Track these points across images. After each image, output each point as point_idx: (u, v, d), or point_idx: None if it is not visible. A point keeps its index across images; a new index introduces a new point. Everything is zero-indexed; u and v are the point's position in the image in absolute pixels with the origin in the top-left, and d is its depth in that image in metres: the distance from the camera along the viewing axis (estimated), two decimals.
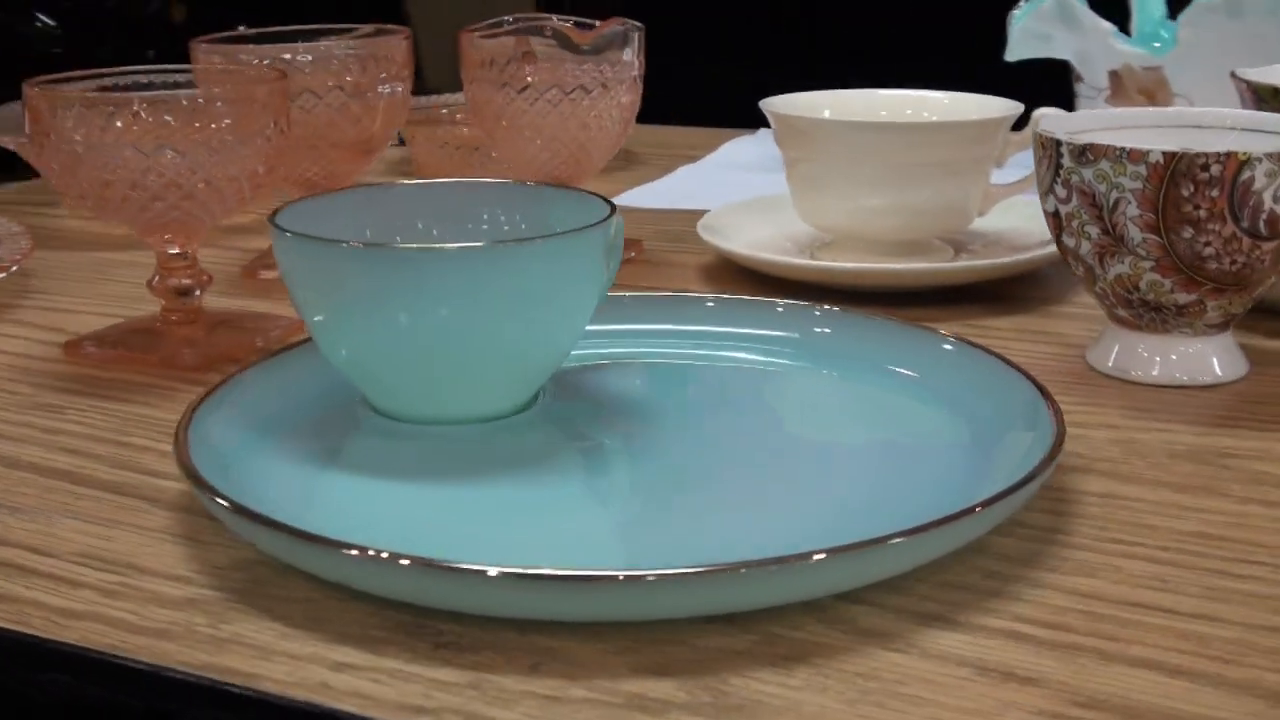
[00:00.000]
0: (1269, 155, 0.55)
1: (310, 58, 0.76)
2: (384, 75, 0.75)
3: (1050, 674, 0.38)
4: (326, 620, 0.41)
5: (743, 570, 0.40)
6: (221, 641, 0.41)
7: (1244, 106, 0.68)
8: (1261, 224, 0.56)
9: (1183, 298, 0.58)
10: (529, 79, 0.75)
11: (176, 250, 0.65)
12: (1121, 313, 0.60)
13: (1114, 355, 0.61)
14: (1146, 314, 0.59)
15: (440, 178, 0.94)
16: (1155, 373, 0.60)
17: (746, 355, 0.62)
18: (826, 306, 0.63)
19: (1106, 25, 0.88)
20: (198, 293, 0.66)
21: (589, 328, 0.60)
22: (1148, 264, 0.57)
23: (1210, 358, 0.60)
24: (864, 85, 0.82)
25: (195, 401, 0.52)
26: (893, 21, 1.84)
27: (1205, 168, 0.55)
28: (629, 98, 0.78)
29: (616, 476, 0.54)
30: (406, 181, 0.62)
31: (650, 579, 0.39)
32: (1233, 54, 0.80)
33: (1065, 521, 0.48)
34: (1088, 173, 0.57)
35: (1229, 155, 0.55)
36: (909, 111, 0.79)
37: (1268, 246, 0.56)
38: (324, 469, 0.52)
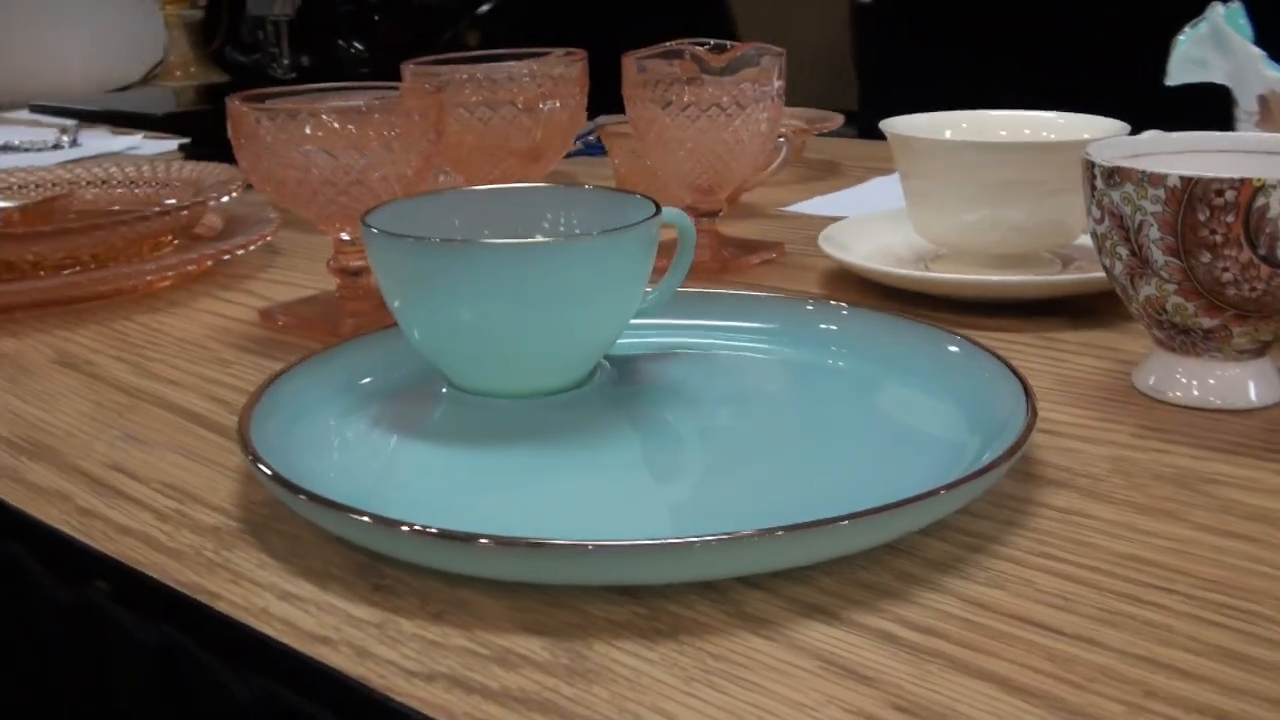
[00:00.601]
0: None
1: (506, 75, 0.77)
2: (546, 93, 0.75)
3: (889, 676, 0.35)
4: (301, 556, 0.42)
5: (627, 549, 0.38)
6: (214, 565, 0.42)
7: None
8: (1279, 252, 0.48)
9: (1207, 322, 0.51)
10: (672, 97, 0.73)
11: (346, 236, 0.67)
12: (1157, 334, 0.53)
13: (1152, 376, 0.54)
14: (1177, 336, 0.52)
15: (634, 186, 0.95)
16: (1191, 395, 0.53)
17: (771, 346, 0.59)
18: (851, 306, 0.60)
19: (1256, 51, 0.78)
20: (365, 273, 0.69)
21: (656, 320, 0.59)
22: (1171, 287, 0.51)
23: (1246, 383, 0.53)
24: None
25: (292, 363, 0.54)
26: (1075, 47, 1.70)
27: (1220, 193, 0.48)
28: (769, 114, 0.75)
29: (643, 449, 0.52)
30: (489, 186, 0.62)
31: (550, 547, 0.38)
32: None
33: (1008, 531, 0.43)
34: (1115, 195, 0.51)
35: (1243, 181, 0.47)
36: (1026, 131, 0.72)
37: None
38: (386, 429, 0.52)
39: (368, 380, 0.56)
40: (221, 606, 0.39)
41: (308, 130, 0.65)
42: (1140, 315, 0.53)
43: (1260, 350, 0.52)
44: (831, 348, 0.58)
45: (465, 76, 0.78)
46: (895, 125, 0.71)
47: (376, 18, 1.19)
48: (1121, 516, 0.44)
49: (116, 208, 0.86)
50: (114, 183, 0.91)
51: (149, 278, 0.74)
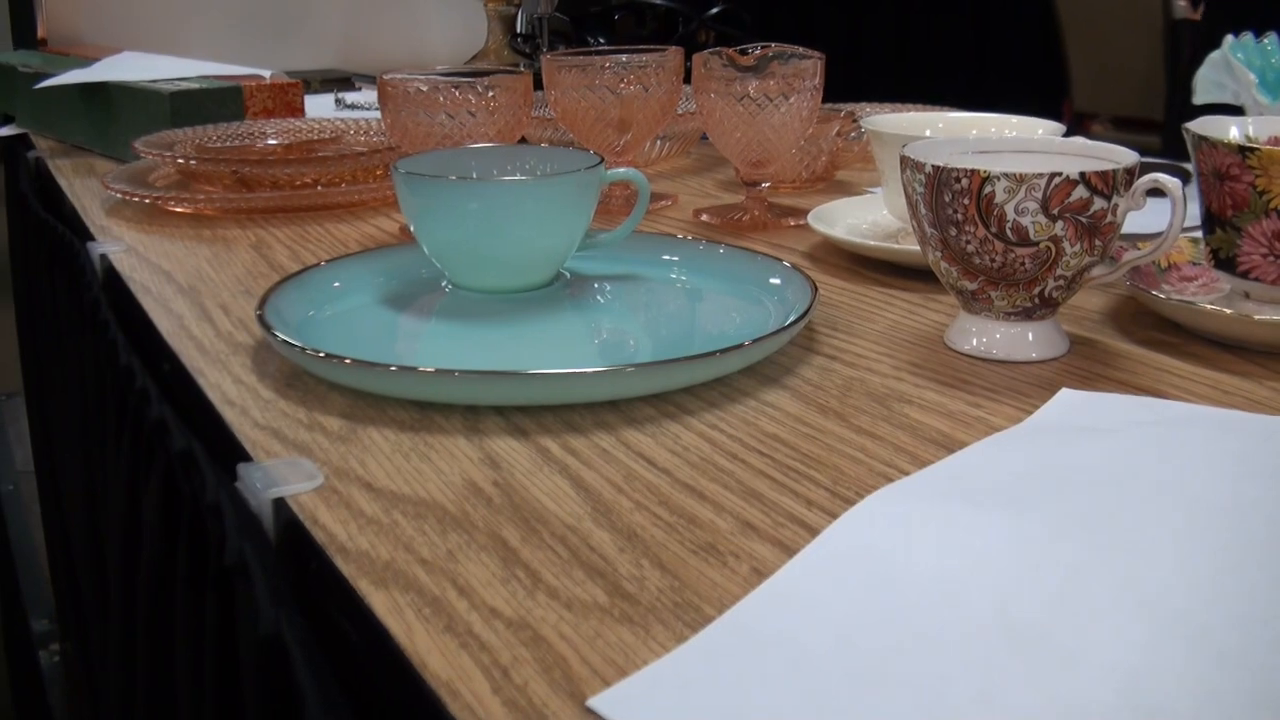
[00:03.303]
0: (1006, 175, 0.54)
1: (602, 66, 0.91)
2: (633, 80, 0.88)
3: (513, 468, 0.47)
4: (269, 365, 0.59)
5: (525, 376, 0.52)
6: (219, 360, 0.60)
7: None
8: (1008, 231, 0.55)
9: (968, 284, 0.58)
10: (728, 90, 0.84)
11: None
12: (954, 295, 0.60)
13: (951, 331, 0.61)
14: (959, 298, 0.60)
15: None
16: (978, 347, 0.60)
17: (675, 273, 0.72)
18: (727, 247, 0.72)
19: (1252, 77, 0.79)
20: None
21: (613, 250, 0.72)
22: (939, 254, 0.58)
23: (1026, 337, 0.59)
24: None
25: (328, 258, 0.72)
26: None
27: (958, 180, 0.55)
28: (807, 103, 0.84)
29: (575, 321, 0.66)
30: (496, 144, 0.77)
31: (456, 375, 0.52)
32: None
33: (707, 409, 0.53)
34: (905, 177, 0.59)
35: (973, 172, 0.54)
36: (993, 130, 0.78)
37: (1022, 251, 0.55)
38: (404, 310, 0.68)
39: (394, 275, 0.72)
40: (201, 381, 0.57)
41: (441, 99, 0.83)
42: (938, 277, 0.61)
43: (1030, 313, 0.58)
44: (706, 272, 0.71)
45: (574, 64, 0.92)
46: (874, 122, 0.79)
47: (616, 16, 1.35)
48: (801, 412, 0.53)
49: (358, 148, 1.08)
50: (374, 131, 1.13)
51: (339, 198, 0.94)
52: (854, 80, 1.23)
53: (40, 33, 1.81)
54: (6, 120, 1.47)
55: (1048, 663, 0.33)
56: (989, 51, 2.82)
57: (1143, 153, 0.60)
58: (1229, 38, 0.82)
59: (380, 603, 0.38)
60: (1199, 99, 0.84)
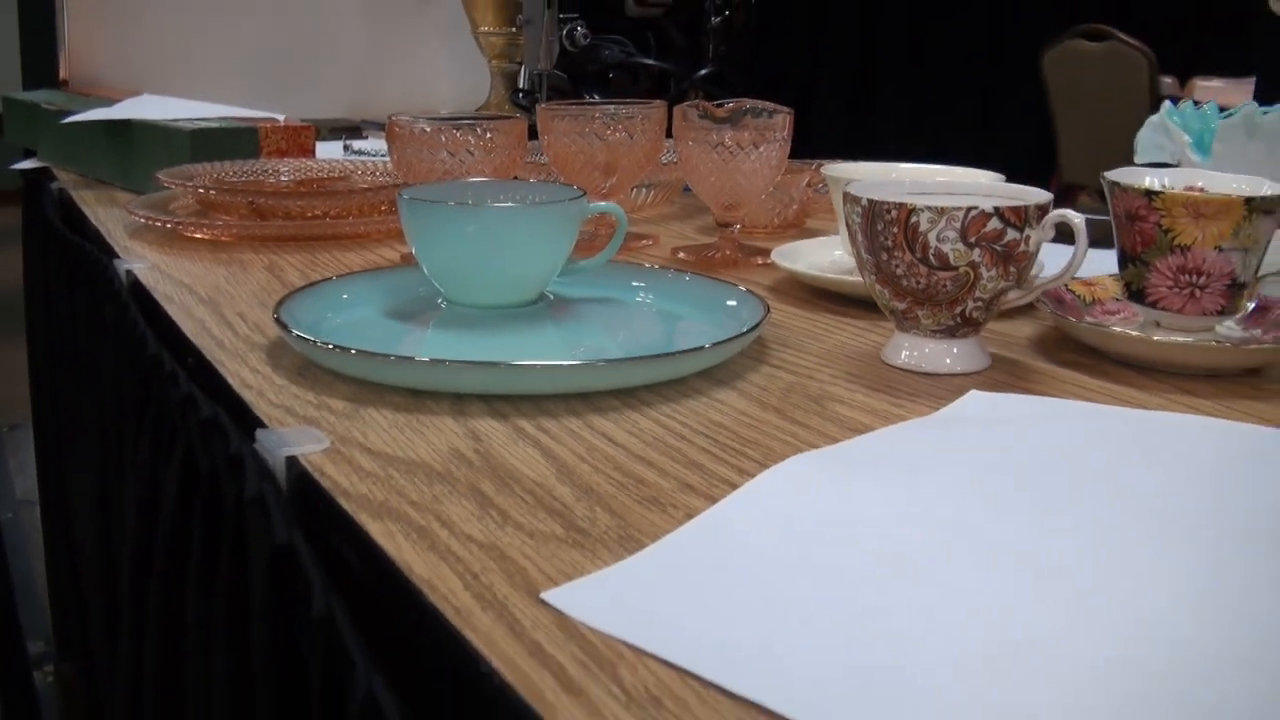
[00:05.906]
0: (929, 207, 0.63)
1: (592, 115, 1.01)
2: (618, 129, 0.99)
3: (491, 441, 0.56)
4: (284, 360, 0.69)
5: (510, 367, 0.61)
6: (239, 355, 0.69)
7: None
8: (931, 256, 0.64)
9: (898, 305, 0.67)
10: (705, 138, 0.94)
11: None
12: (887, 314, 0.70)
13: (886, 348, 0.71)
14: (893, 317, 0.69)
15: None
16: (907, 361, 0.69)
17: (643, 297, 0.81)
18: (693, 275, 0.82)
19: (1185, 137, 0.89)
20: None
21: (592, 276, 0.82)
22: (874, 277, 0.67)
23: (951, 351, 0.68)
24: None
25: (337, 274, 0.81)
26: None
27: (888, 212, 0.65)
28: (776, 153, 0.94)
29: (555, 333, 0.75)
30: (492, 179, 0.87)
31: (447, 364, 0.62)
32: (1252, 164, 0.80)
33: (663, 400, 0.62)
34: (846, 210, 0.68)
35: (901, 205, 0.64)
36: (940, 179, 0.88)
37: (944, 275, 0.64)
38: (403, 320, 0.77)
39: (395, 291, 0.81)
40: (223, 370, 0.67)
41: (443, 138, 0.93)
42: (874, 298, 0.70)
43: (954, 331, 0.67)
44: (674, 296, 0.80)
45: (567, 113, 1.02)
46: (833, 169, 0.89)
47: (611, 75, 1.46)
48: (745, 407, 0.62)
49: (363, 185, 1.18)
50: (379, 172, 1.23)
51: (347, 229, 1.04)
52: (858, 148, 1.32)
53: (62, 74, 1.93)
54: (29, 154, 1.58)
55: (927, 591, 0.41)
56: (989, 126, 2.95)
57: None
58: (1167, 103, 0.92)
59: (376, 529, 0.46)
60: (1140, 159, 0.94)
